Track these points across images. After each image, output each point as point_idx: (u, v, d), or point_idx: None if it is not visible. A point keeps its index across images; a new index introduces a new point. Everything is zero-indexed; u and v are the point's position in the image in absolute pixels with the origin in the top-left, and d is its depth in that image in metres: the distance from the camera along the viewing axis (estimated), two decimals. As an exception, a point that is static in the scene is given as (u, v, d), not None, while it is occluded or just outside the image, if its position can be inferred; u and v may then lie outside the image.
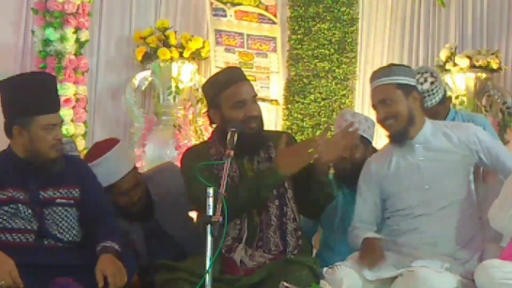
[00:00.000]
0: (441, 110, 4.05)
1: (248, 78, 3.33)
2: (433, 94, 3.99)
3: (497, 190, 3.19)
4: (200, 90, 6.60)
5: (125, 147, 3.70)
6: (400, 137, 3.25)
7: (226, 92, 3.16)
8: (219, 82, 3.21)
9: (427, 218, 3.18)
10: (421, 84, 3.93)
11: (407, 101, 3.21)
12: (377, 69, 3.38)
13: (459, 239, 3.17)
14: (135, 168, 3.62)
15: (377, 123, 3.37)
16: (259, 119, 3.19)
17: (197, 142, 6.10)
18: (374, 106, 3.27)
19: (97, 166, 3.42)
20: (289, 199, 3.16)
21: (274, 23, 6.62)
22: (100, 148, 3.57)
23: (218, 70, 6.38)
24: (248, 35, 6.56)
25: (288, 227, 3.13)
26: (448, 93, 4.61)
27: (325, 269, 3.06)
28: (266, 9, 6.64)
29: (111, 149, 3.50)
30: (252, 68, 6.38)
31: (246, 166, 3.19)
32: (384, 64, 6.88)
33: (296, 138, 6.13)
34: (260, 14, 6.61)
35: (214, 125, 3.31)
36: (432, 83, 3.99)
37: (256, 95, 3.24)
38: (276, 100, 6.39)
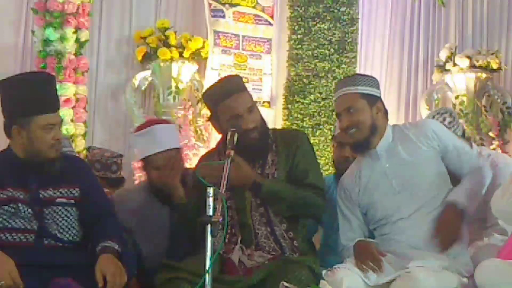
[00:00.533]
0: None
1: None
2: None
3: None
4: (200, 90, 6.62)
5: (173, 129, 3.79)
6: (362, 146, 3.27)
7: (221, 105, 3.18)
8: (215, 94, 3.23)
9: (404, 222, 3.18)
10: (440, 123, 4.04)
11: (371, 111, 3.22)
12: (341, 79, 3.43)
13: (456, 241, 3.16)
14: (177, 152, 3.62)
15: (340, 132, 3.40)
16: (257, 129, 3.20)
17: (197, 142, 6.12)
18: (337, 115, 3.30)
19: (140, 136, 3.55)
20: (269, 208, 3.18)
21: (270, 24, 6.62)
22: (150, 122, 3.72)
23: (213, 72, 6.45)
24: (243, 37, 6.56)
25: (277, 232, 3.14)
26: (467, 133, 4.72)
27: (324, 271, 3.06)
28: (263, 10, 6.64)
29: (158, 125, 3.60)
30: (245, 69, 6.39)
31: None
32: (384, 65, 6.98)
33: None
34: (256, 15, 6.61)
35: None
36: (450, 122, 4.09)
37: (253, 105, 3.24)
38: (268, 102, 6.39)
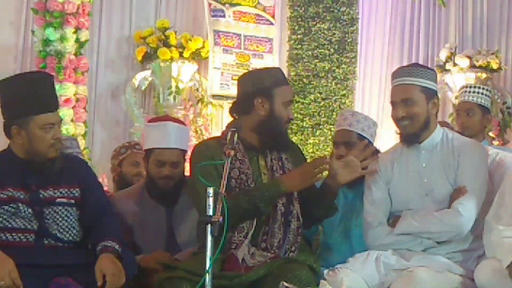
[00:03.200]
0: (475, 114, 4.35)
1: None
2: (479, 94, 4.31)
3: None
4: (200, 90, 6.62)
5: (187, 132, 3.86)
6: (411, 139, 3.24)
7: (282, 88, 3.24)
8: (275, 76, 3.28)
9: None
10: (476, 85, 4.23)
11: (427, 105, 3.20)
12: (402, 66, 3.39)
13: (457, 243, 3.16)
14: (183, 154, 3.64)
15: (392, 119, 3.34)
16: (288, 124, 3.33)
17: (197, 142, 6.11)
18: (392, 103, 3.25)
19: (154, 127, 3.61)
20: (295, 198, 3.18)
21: (271, 24, 6.63)
22: (167, 118, 3.83)
23: (216, 71, 6.45)
24: (245, 36, 6.57)
25: (292, 225, 3.14)
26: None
27: (325, 271, 3.06)
28: (264, 10, 6.66)
29: (174, 123, 3.64)
30: (248, 69, 6.39)
31: (260, 164, 3.21)
32: (384, 65, 6.98)
33: (295, 138, 6.16)
34: (257, 15, 6.62)
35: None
36: (488, 89, 4.43)
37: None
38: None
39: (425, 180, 3.20)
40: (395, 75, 3.28)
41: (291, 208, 3.16)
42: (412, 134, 3.22)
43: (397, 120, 3.23)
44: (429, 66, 6.78)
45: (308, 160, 3.64)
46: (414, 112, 3.18)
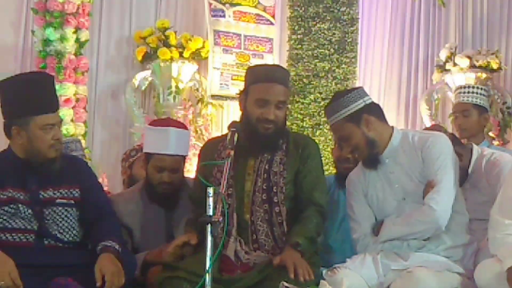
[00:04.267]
0: (472, 114, 4.33)
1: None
2: (475, 93, 4.34)
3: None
4: (200, 90, 6.62)
5: (187, 135, 3.76)
6: (371, 162, 3.25)
7: (256, 85, 3.18)
8: (259, 73, 3.23)
9: None
10: (471, 84, 4.43)
11: (360, 129, 3.18)
12: (327, 105, 3.31)
13: (445, 239, 3.16)
14: (183, 161, 3.62)
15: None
16: (275, 125, 3.16)
17: (197, 142, 6.11)
18: (338, 144, 3.35)
19: (155, 131, 3.54)
20: (278, 204, 3.13)
21: (271, 24, 6.63)
22: (168, 122, 3.71)
23: (215, 71, 6.44)
24: (245, 36, 6.56)
25: (275, 233, 3.11)
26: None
27: (325, 271, 3.06)
28: (264, 10, 6.65)
29: (176, 128, 3.58)
30: (248, 69, 6.40)
31: (249, 164, 3.19)
32: (384, 65, 6.97)
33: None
34: (258, 15, 6.61)
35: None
36: (484, 89, 4.42)
37: (284, 103, 3.20)
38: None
39: (397, 186, 3.22)
40: (327, 116, 3.32)
41: (273, 215, 3.11)
42: (367, 159, 3.25)
43: (349, 155, 3.36)
44: (429, 66, 6.86)
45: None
46: (354, 144, 3.20)
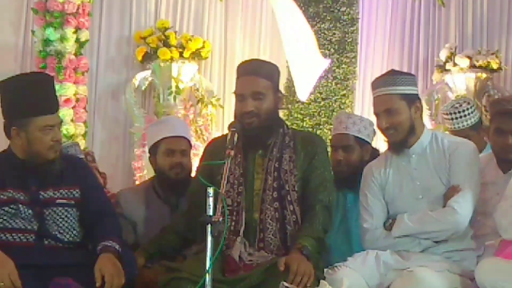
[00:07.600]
0: (472, 135, 4.12)
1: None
2: (466, 116, 4.24)
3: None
4: (200, 90, 6.62)
5: (187, 125, 4.11)
6: (399, 146, 3.25)
7: (238, 80, 3.20)
8: (237, 70, 3.25)
9: None
10: (456, 107, 4.28)
11: (410, 111, 3.20)
12: (379, 76, 3.34)
13: (453, 241, 3.17)
14: (188, 145, 3.74)
15: (378, 129, 3.37)
16: (256, 116, 3.11)
17: (197, 142, 6.12)
18: (376, 114, 3.25)
19: (157, 123, 3.88)
20: (292, 202, 3.12)
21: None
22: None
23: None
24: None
25: (288, 231, 3.09)
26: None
27: (325, 269, 3.05)
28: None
29: (174, 117, 3.86)
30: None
31: (257, 162, 3.18)
32: (384, 65, 6.97)
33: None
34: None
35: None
36: (468, 103, 4.33)
37: (264, 93, 3.13)
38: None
39: (418, 183, 3.22)
40: (374, 85, 3.28)
41: (285, 213, 3.09)
42: (398, 142, 3.24)
43: (383, 130, 3.25)
44: (429, 66, 6.86)
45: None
46: (398, 121, 3.19)
